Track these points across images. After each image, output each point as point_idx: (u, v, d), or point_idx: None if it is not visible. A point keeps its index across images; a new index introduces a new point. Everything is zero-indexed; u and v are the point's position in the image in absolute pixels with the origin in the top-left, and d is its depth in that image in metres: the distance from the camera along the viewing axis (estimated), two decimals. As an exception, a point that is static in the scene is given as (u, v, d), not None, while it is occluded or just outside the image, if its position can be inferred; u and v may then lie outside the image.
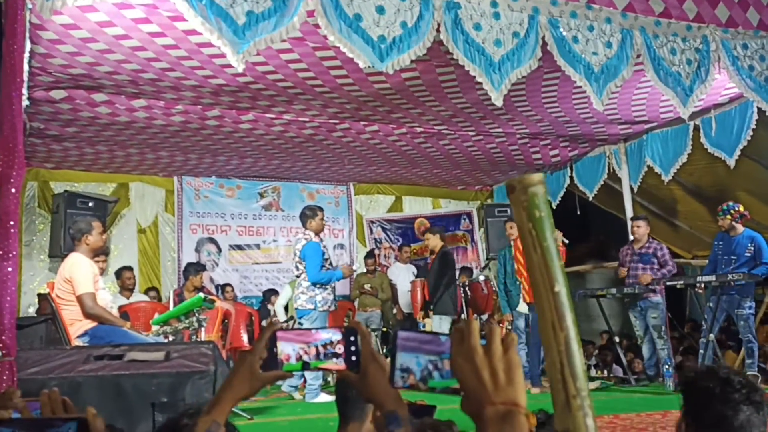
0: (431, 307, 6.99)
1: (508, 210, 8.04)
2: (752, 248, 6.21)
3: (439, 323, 6.79)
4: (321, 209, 6.49)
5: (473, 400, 0.85)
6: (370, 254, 9.28)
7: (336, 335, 1.11)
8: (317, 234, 6.28)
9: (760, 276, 6.03)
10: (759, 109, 5.40)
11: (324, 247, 6.28)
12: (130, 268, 7.64)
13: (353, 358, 1.09)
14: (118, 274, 7.46)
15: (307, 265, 6.06)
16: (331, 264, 6.41)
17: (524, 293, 6.63)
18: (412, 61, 4.04)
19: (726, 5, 4.61)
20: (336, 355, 1.10)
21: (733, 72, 4.55)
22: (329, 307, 6.19)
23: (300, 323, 6.18)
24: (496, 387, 0.84)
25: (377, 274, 8.95)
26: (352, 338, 1.10)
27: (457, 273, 9.68)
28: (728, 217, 6.33)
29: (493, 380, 0.84)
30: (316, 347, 1.10)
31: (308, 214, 6.34)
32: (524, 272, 6.46)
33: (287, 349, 1.10)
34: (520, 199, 1.07)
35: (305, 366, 1.11)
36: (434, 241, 7.13)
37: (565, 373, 1.06)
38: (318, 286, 6.11)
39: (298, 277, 6.22)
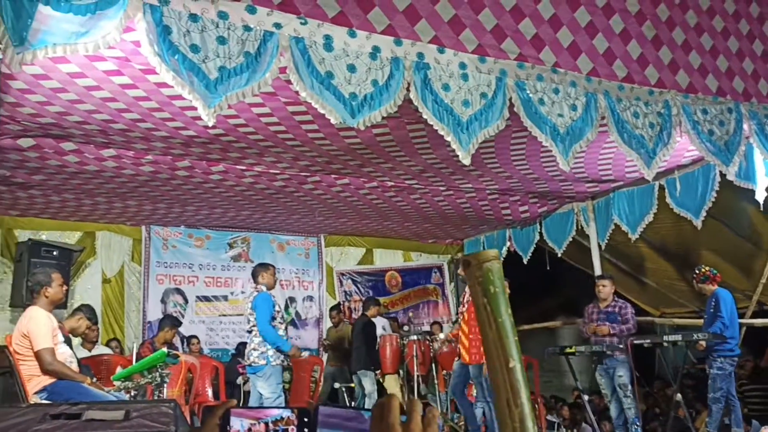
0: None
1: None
2: (713, 304, 6.30)
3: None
4: (272, 265, 6.63)
5: None
6: (335, 307, 9.20)
7: (288, 412, 1.08)
8: (269, 289, 6.34)
9: (721, 333, 6.05)
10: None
11: (275, 301, 6.28)
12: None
13: None
14: (81, 325, 7.26)
15: (257, 316, 6.04)
16: (283, 319, 6.41)
17: (463, 351, 6.52)
18: (383, 118, 4.07)
19: (686, 72, 4.76)
20: None
21: (694, 136, 4.67)
22: (282, 361, 6.14)
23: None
24: None
25: (342, 326, 8.86)
26: (306, 419, 1.08)
27: (428, 327, 9.66)
28: (694, 282, 6.55)
29: None
30: (267, 423, 1.07)
31: (259, 269, 6.43)
32: (466, 330, 6.47)
33: (236, 425, 1.07)
34: (475, 274, 1.08)
35: None
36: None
37: (520, 451, 1.05)
38: None
39: (249, 332, 6.17)
